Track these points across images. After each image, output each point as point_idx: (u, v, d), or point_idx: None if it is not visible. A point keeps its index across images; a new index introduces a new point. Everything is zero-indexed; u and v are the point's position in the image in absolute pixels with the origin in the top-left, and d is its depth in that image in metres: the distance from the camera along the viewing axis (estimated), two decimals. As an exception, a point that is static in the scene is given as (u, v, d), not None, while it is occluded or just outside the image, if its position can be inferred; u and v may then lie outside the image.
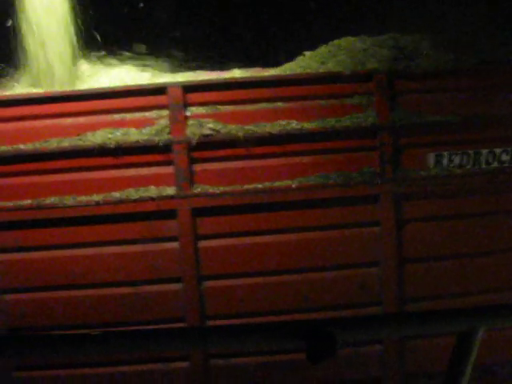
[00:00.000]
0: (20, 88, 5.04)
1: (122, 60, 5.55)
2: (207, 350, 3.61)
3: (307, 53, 4.70)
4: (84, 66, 5.19)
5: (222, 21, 5.95)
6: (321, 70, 4.21)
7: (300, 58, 4.68)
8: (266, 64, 5.18)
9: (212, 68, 5.42)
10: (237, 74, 4.92)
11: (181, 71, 5.44)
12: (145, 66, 5.42)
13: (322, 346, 1.89)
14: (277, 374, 3.75)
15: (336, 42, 4.58)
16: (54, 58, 4.80)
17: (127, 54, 5.68)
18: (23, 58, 5.00)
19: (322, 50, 4.55)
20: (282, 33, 5.93)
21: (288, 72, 4.42)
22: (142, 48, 5.99)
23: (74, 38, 5.04)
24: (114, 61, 5.46)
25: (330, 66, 4.24)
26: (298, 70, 4.35)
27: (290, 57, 4.98)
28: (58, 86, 4.80)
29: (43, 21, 4.84)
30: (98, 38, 5.60)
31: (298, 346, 1.94)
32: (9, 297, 3.86)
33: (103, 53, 5.51)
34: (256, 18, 5.87)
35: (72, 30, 5.01)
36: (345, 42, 4.44)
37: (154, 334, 2.03)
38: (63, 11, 4.90)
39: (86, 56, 5.35)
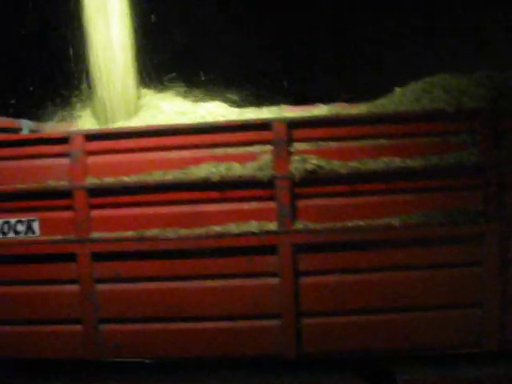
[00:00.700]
0: (84, 120, 5.16)
1: (181, 92, 5.59)
2: None
3: (398, 89, 4.69)
4: (146, 98, 5.25)
5: (300, 55, 6.00)
6: (416, 108, 4.17)
7: (390, 94, 4.67)
8: (349, 100, 5.19)
9: (292, 103, 5.44)
10: (324, 109, 4.94)
11: (253, 105, 5.44)
12: (211, 98, 5.44)
13: None
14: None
15: (429, 79, 4.55)
16: (118, 90, 4.88)
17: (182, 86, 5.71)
18: (87, 91, 5.11)
19: (413, 86, 4.53)
20: (362, 69, 5.95)
21: (379, 108, 4.41)
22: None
23: (136, 71, 5.11)
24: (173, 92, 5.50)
25: (425, 103, 4.21)
26: (390, 107, 4.34)
27: (373, 93, 4.99)
28: (121, 119, 4.88)
29: (106, 53, 4.93)
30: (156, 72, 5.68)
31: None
32: (105, 327, 3.86)
33: (164, 84, 5.57)
34: (337, 54, 5.91)
35: (133, 62, 5.09)
36: (439, 79, 4.42)
37: None
38: (125, 43, 4.99)
39: (147, 88, 5.42)
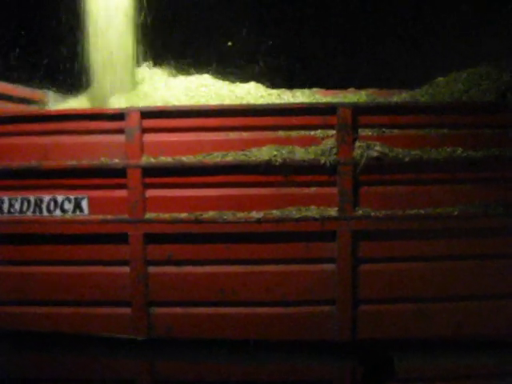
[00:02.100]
0: (83, 99, 5.00)
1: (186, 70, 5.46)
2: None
3: (440, 79, 4.69)
4: (146, 73, 5.12)
5: (339, 42, 5.93)
6: (465, 98, 4.18)
7: (433, 83, 4.66)
8: (391, 86, 5.15)
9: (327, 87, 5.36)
10: (363, 95, 4.90)
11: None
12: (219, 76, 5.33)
13: (379, 370, 1.85)
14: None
15: (471, 69, 4.56)
16: (117, 64, 4.74)
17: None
18: (86, 69, 4.95)
19: (456, 76, 4.54)
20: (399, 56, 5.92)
21: (424, 97, 4.41)
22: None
23: (135, 46, 4.97)
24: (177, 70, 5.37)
25: (473, 94, 4.22)
26: (438, 96, 4.34)
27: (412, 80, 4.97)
28: (120, 92, 4.75)
29: (106, 29, 4.78)
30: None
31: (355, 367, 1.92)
32: (157, 310, 3.77)
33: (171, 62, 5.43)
34: (379, 40, 5.85)
35: (133, 38, 4.95)
36: (483, 69, 4.43)
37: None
38: (126, 19, 4.84)
39: (148, 63, 5.28)
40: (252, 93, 4.78)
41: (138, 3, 4.92)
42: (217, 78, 5.03)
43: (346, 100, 4.82)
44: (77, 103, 4.94)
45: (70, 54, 5.74)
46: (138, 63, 4.90)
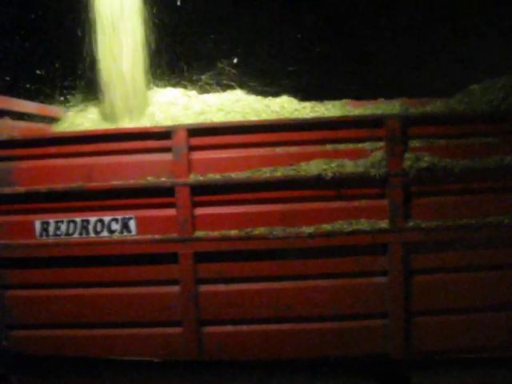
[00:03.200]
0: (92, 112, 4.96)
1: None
2: None
3: (475, 86, 4.67)
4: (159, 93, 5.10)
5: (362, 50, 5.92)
6: (502, 106, 4.17)
7: (467, 91, 4.64)
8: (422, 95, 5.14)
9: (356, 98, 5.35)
10: (396, 105, 4.88)
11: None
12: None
13: None
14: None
15: (505, 77, 4.54)
16: (129, 84, 4.71)
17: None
18: (97, 84, 4.91)
19: (490, 84, 4.53)
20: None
21: (461, 105, 4.40)
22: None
23: (147, 65, 4.94)
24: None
25: (512, 102, 4.21)
26: (474, 104, 4.32)
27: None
28: (134, 112, 4.72)
29: (117, 44, 4.75)
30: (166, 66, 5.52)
31: None
32: (208, 329, 3.74)
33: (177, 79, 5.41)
34: (403, 48, 5.85)
35: (144, 57, 4.92)
36: None
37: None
38: (137, 36, 4.81)
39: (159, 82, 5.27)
40: (286, 106, 4.77)
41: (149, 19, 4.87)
42: (248, 92, 4.99)
43: (380, 111, 4.81)
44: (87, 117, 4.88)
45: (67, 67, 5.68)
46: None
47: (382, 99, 5.34)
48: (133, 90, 4.52)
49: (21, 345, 3.83)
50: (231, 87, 5.10)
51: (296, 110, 4.71)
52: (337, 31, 6.00)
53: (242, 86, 5.16)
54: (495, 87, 4.44)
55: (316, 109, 4.78)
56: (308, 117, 4.30)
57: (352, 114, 4.78)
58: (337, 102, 5.24)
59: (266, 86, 5.34)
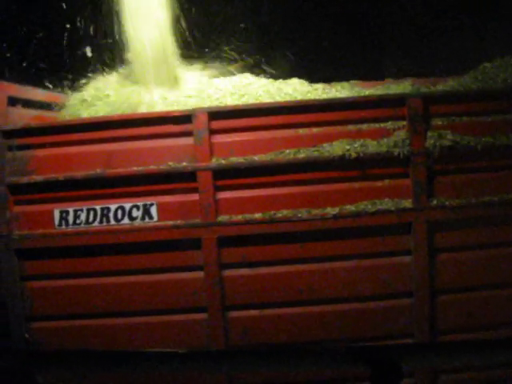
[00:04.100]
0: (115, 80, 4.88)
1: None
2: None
3: (487, 64, 4.68)
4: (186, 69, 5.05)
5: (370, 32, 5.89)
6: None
7: (479, 69, 4.65)
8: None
9: (364, 78, 5.32)
10: (407, 84, 4.87)
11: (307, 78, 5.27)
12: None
13: (386, 375, 1.87)
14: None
15: None
16: (157, 56, 4.66)
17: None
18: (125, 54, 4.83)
19: (501, 62, 4.54)
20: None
21: (476, 82, 4.40)
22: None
23: (174, 40, 4.89)
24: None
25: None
26: (487, 82, 4.33)
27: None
28: (161, 85, 4.68)
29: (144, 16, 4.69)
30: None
31: (361, 371, 1.92)
32: (233, 314, 3.71)
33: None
34: (411, 27, 5.83)
35: (170, 32, 4.87)
36: None
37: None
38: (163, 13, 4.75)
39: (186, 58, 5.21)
40: (298, 89, 4.72)
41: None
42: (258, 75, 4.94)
43: (391, 90, 4.79)
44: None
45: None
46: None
47: (390, 79, 5.31)
48: (162, 58, 4.44)
49: (42, 337, 3.75)
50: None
51: (308, 92, 4.68)
52: (341, 12, 5.94)
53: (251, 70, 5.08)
54: (508, 65, 4.44)
55: (328, 90, 4.73)
56: (321, 98, 4.23)
57: (362, 94, 4.74)
58: (345, 84, 5.20)
59: (272, 69, 5.27)
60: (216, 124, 3.61)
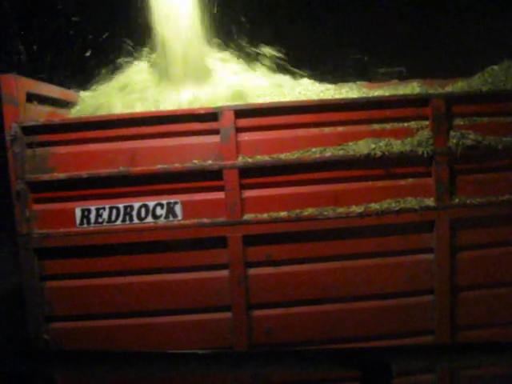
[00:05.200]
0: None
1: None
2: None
3: (495, 67, 4.77)
4: (215, 64, 5.04)
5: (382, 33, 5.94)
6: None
7: (488, 71, 4.74)
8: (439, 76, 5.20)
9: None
10: (415, 86, 4.94)
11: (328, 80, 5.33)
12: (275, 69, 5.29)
13: (376, 376, 1.94)
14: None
15: None
16: (187, 50, 4.65)
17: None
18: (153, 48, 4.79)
19: (510, 63, 4.63)
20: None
21: (487, 84, 4.49)
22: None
23: (203, 35, 4.89)
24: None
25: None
26: (497, 84, 4.41)
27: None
28: (189, 80, 4.67)
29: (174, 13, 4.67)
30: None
31: (352, 374, 1.98)
32: (257, 312, 3.71)
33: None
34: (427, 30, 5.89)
35: (201, 26, 4.86)
36: None
37: (201, 356, 2.09)
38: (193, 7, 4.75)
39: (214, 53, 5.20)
40: (310, 89, 4.73)
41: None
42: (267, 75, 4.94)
43: (399, 91, 4.84)
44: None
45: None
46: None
47: (396, 81, 5.37)
48: (192, 54, 4.40)
49: (62, 338, 3.68)
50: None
51: (321, 92, 4.70)
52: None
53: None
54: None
55: (340, 91, 4.76)
56: (346, 98, 4.26)
57: (370, 95, 4.78)
58: (352, 84, 5.23)
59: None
60: (242, 122, 3.60)
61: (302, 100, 4.14)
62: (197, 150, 3.62)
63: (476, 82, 4.60)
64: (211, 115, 3.59)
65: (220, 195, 3.61)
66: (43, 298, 3.65)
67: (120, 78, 4.69)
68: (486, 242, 3.74)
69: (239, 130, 3.60)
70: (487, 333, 3.77)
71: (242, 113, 3.59)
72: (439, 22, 6.16)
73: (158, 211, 3.62)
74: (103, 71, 4.79)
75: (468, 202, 3.71)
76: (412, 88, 4.90)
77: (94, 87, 4.73)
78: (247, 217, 3.63)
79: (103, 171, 3.59)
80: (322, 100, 4.04)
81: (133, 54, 4.91)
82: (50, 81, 4.64)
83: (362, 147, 3.62)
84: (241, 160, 3.60)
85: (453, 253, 3.72)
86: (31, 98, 3.81)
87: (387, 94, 4.78)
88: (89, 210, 3.61)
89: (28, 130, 3.58)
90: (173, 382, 3.58)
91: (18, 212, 3.58)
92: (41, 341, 3.66)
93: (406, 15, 6.19)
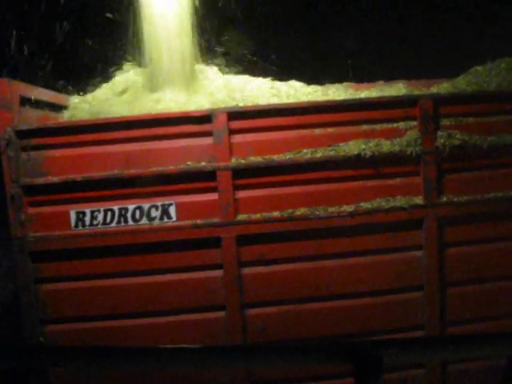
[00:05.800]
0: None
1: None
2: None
3: (478, 68, 4.90)
4: (204, 71, 5.11)
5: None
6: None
7: (471, 72, 4.86)
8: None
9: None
10: (401, 87, 5.04)
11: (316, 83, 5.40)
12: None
13: (369, 369, 2.04)
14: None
15: (508, 59, 4.79)
16: (175, 57, 4.70)
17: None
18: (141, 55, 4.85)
19: (492, 66, 4.77)
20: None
21: (471, 85, 4.61)
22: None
23: (193, 41, 4.95)
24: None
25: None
26: (481, 85, 4.53)
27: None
28: (177, 86, 4.73)
29: (163, 20, 4.72)
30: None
31: (344, 367, 2.07)
32: (251, 311, 3.77)
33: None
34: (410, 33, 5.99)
35: (191, 33, 4.92)
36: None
37: (197, 350, 2.13)
38: (184, 13, 4.81)
39: (204, 61, 5.26)
40: (298, 90, 4.81)
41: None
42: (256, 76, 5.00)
43: (385, 92, 4.94)
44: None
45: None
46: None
47: (382, 82, 5.47)
48: (179, 61, 4.43)
49: (57, 340, 3.71)
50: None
51: (309, 93, 4.78)
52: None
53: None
54: (499, 69, 4.66)
55: (327, 92, 4.84)
56: (336, 99, 4.35)
57: (357, 96, 4.86)
58: (339, 85, 5.32)
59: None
60: (235, 124, 3.66)
61: (293, 102, 4.22)
62: (190, 152, 3.67)
63: (460, 83, 4.71)
64: (204, 117, 3.64)
65: (214, 196, 3.67)
66: (38, 300, 3.67)
67: (113, 82, 4.72)
68: (473, 239, 3.84)
69: (232, 131, 3.66)
70: (475, 327, 3.85)
71: (234, 115, 3.66)
72: (422, 23, 6.27)
73: (153, 213, 3.67)
74: (96, 75, 4.81)
75: (455, 199, 3.81)
76: (398, 89, 5.00)
77: (86, 91, 4.74)
78: (241, 217, 3.69)
79: (98, 174, 3.63)
80: (313, 102, 4.12)
81: (125, 57, 4.93)
82: (44, 85, 4.66)
83: (353, 148, 3.70)
84: (234, 161, 3.66)
85: (441, 249, 3.81)
86: (24, 101, 3.82)
87: (374, 94, 4.87)
88: (83, 213, 3.64)
89: (22, 134, 3.60)
90: (168, 381, 3.62)
91: (12, 215, 3.59)
92: (36, 343, 3.66)
93: (391, 16, 6.29)
